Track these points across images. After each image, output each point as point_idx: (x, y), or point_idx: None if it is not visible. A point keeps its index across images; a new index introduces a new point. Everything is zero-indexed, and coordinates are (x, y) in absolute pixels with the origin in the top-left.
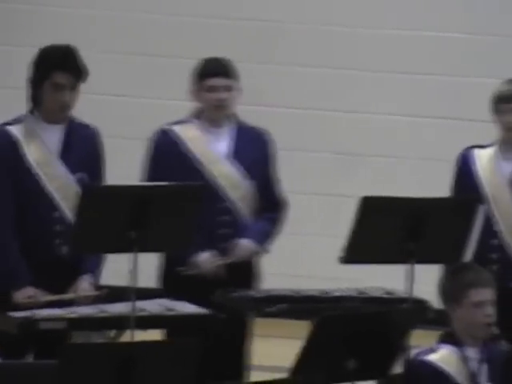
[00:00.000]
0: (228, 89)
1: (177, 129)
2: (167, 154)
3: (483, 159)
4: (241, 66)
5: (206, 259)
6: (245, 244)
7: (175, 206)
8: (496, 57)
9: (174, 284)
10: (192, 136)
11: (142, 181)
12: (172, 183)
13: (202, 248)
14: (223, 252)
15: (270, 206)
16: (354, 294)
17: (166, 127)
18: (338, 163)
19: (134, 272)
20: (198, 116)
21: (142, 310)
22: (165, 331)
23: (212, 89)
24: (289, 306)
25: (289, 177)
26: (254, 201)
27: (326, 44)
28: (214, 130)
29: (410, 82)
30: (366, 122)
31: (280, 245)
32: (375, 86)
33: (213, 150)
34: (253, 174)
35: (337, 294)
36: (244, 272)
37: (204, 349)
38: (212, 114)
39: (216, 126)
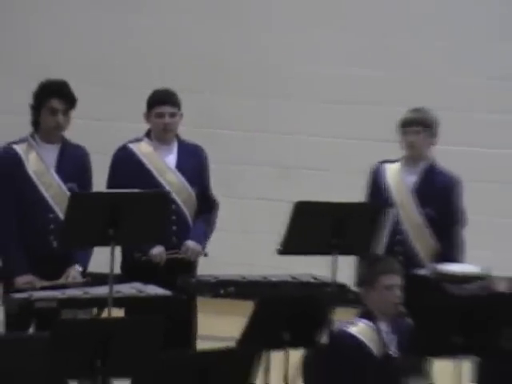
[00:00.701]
0: (173, 115)
1: (132, 146)
2: (126, 166)
3: (391, 171)
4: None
5: (159, 252)
6: (191, 246)
7: (144, 209)
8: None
9: (132, 269)
10: (145, 151)
11: (107, 188)
12: (141, 190)
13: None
14: (173, 246)
15: (206, 208)
16: (288, 279)
17: (125, 145)
18: (279, 174)
19: (111, 261)
20: (149, 135)
21: (119, 292)
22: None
23: (159, 115)
24: (236, 289)
25: (241, 185)
26: (194, 203)
27: (262, 78)
28: (162, 147)
29: (334, 110)
30: (301, 142)
31: (233, 239)
32: (305, 113)
33: (162, 163)
34: (193, 181)
35: (274, 279)
36: (185, 264)
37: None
38: (160, 135)
39: (164, 144)
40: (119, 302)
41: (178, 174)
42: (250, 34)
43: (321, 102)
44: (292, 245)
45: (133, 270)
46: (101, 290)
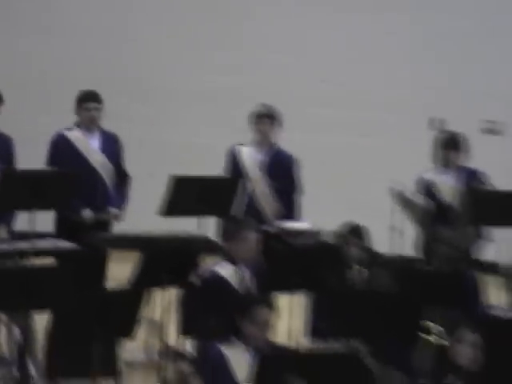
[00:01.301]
0: (97, 109)
1: (67, 133)
2: (62, 149)
3: (245, 152)
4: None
5: (89, 214)
6: (114, 211)
7: (61, 182)
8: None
9: (65, 228)
10: (76, 137)
11: (47, 164)
12: (57, 169)
13: (87, 206)
14: (98, 210)
15: (122, 181)
16: (169, 234)
17: (60, 131)
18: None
19: (33, 220)
20: (79, 125)
21: (39, 245)
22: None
23: (87, 109)
24: (130, 242)
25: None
26: (113, 177)
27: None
28: (89, 134)
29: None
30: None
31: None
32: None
33: (89, 146)
34: (112, 160)
35: (158, 234)
36: (104, 223)
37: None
38: (87, 125)
39: (90, 132)
40: (39, 253)
41: (101, 154)
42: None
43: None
44: (171, 210)
45: (64, 228)
46: (25, 244)
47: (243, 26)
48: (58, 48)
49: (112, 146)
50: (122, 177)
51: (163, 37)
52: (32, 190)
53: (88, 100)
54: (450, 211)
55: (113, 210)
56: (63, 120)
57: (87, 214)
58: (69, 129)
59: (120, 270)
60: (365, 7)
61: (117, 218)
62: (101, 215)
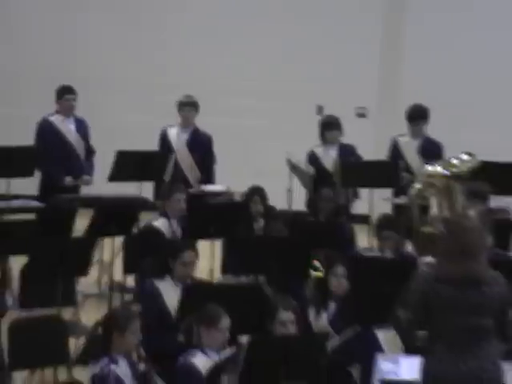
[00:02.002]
0: (74, 100)
1: (51, 118)
2: (48, 130)
3: (172, 132)
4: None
5: (70, 180)
6: (87, 178)
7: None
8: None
9: (50, 191)
10: (59, 121)
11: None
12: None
13: (67, 174)
14: (76, 177)
15: (89, 155)
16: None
17: (46, 117)
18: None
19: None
20: (59, 112)
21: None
22: None
23: (67, 100)
24: (87, 202)
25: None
26: (84, 152)
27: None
28: (67, 120)
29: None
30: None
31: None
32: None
33: (68, 129)
34: (83, 138)
35: (107, 195)
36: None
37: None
38: (66, 113)
39: (68, 118)
40: (14, 210)
41: (77, 134)
42: None
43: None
44: (117, 177)
45: (49, 191)
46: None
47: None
48: None
49: (83, 129)
50: (90, 152)
51: (94, 26)
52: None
53: (67, 93)
54: (330, 177)
55: (86, 177)
56: None
57: (68, 180)
58: (51, 114)
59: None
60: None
61: (88, 183)
62: (78, 181)
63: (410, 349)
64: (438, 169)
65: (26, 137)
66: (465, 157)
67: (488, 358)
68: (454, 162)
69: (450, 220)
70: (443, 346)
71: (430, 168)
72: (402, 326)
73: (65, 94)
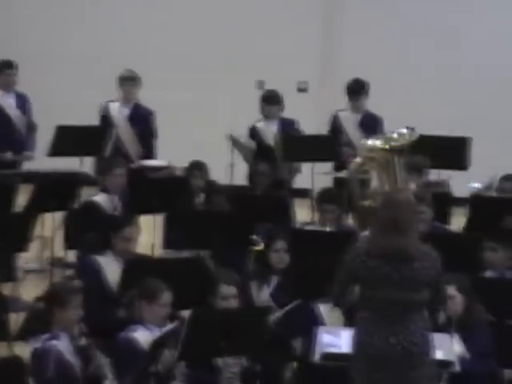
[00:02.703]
0: (14, 75)
1: None
2: None
3: (113, 107)
4: None
5: (10, 155)
6: (28, 154)
7: None
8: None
9: None
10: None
11: None
12: None
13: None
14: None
15: (30, 130)
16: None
17: None
18: None
19: None
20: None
21: None
22: None
23: (7, 75)
24: (27, 177)
25: None
26: (25, 127)
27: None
28: (6, 94)
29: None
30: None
31: None
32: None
33: (9, 103)
34: (23, 113)
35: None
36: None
37: None
38: (6, 88)
39: (8, 93)
40: None
41: (17, 109)
42: None
43: None
44: (56, 152)
45: None
46: None
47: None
48: None
49: (24, 104)
50: (31, 127)
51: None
52: None
53: (6, 68)
54: (271, 151)
55: (27, 153)
56: None
57: (8, 155)
58: None
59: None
60: None
61: (30, 158)
62: (19, 157)
63: (350, 322)
64: (378, 143)
65: None
66: (404, 131)
67: (418, 332)
68: (394, 136)
69: (383, 195)
70: (374, 319)
71: (369, 142)
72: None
73: (4, 68)
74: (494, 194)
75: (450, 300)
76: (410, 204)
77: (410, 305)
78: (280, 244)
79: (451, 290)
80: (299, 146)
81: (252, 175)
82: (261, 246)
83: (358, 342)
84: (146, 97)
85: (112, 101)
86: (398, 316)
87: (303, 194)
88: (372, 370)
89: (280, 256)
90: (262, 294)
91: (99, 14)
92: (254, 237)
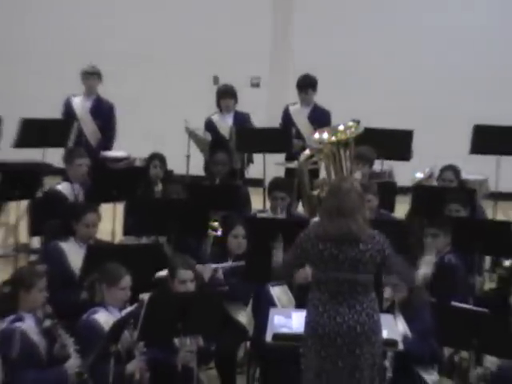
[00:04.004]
0: None
1: None
2: None
3: (76, 101)
4: None
5: None
6: None
7: None
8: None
9: None
10: None
11: None
12: None
13: None
14: None
15: None
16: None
17: None
18: None
19: None
20: None
21: None
22: None
23: None
24: None
25: None
26: None
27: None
28: None
29: None
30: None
31: None
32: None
33: None
34: None
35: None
36: None
37: None
38: None
39: None
40: None
41: None
42: None
43: None
44: (21, 143)
45: None
46: None
47: None
48: None
49: None
50: None
51: None
52: None
53: None
54: (226, 142)
55: None
56: None
57: None
58: None
59: None
60: None
61: None
62: None
63: (301, 303)
64: (326, 135)
65: None
66: (350, 123)
67: (364, 312)
68: (341, 128)
69: (330, 183)
70: (322, 299)
71: (318, 135)
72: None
73: None
74: (434, 183)
75: (395, 288)
76: (353, 191)
77: (355, 285)
78: (239, 230)
79: (396, 279)
80: (252, 138)
81: (209, 165)
82: (218, 232)
83: (308, 321)
84: (106, 91)
85: (74, 95)
86: (345, 296)
87: (256, 183)
88: (320, 347)
89: (239, 241)
90: (218, 277)
91: (63, 11)
92: (215, 223)
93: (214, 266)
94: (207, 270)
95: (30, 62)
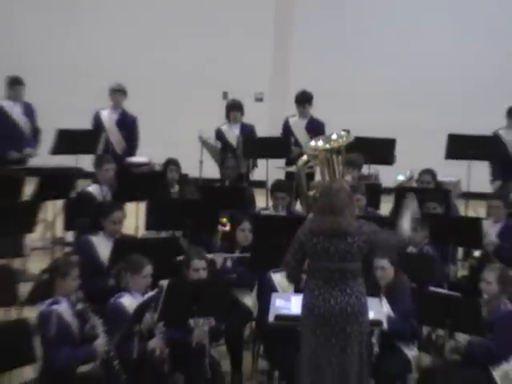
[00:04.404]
0: (22, 89)
1: (2, 103)
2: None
3: (104, 113)
4: None
5: (14, 154)
6: (29, 150)
7: None
8: None
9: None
10: (9, 106)
11: None
12: None
13: (13, 149)
14: (20, 151)
15: (35, 133)
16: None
17: None
18: None
19: None
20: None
21: None
22: None
23: (17, 89)
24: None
25: None
26: (29, 130)
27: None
28: (15, 104)
29: None
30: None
31: None
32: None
33: (16, 112)
34: (30, 120)
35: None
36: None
37: None
38: (15, 99)
39: (16, 102)
40: None
41: (23, 116)
42: None
43: None
44: (58, 151)
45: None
46: None
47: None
48: None
49: (29, 112)
50: (36, 130)
51: (41, 24)
52: None
53: (17, 84)
54: (234, 150)
55: (28, 150)
56: None
57: (15, 154)
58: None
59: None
60: None
61: (31, 155)
62: (23, 155)
63: (298, 288)
64: (320, 143)
65: None
66: (342, 133)
67: (353, 295)
68: (333, 137)
69: (323, 184)
70: (317, 285)
71: (313, 143)
72: (288, 269)
73: (15, 84)
74: (414, 184)
75: (383, 270)
76: (342, 191)
77: (345, 273)
78: (246, 225)
79: (385, 263)
80: (256, 146)
81: (222, 170)
82: (227, 228)
83: (304, 304)
84: (130, 105)
85: (103, 108)
86: (337, 282)
87: (260, 184)
88: (316, 326)
89: (245, 235)
90: (227, 266)
91: (94, 36)
92: (223, 219)
93: (224, 255)
94: (219, 258)
95: (65, 80)
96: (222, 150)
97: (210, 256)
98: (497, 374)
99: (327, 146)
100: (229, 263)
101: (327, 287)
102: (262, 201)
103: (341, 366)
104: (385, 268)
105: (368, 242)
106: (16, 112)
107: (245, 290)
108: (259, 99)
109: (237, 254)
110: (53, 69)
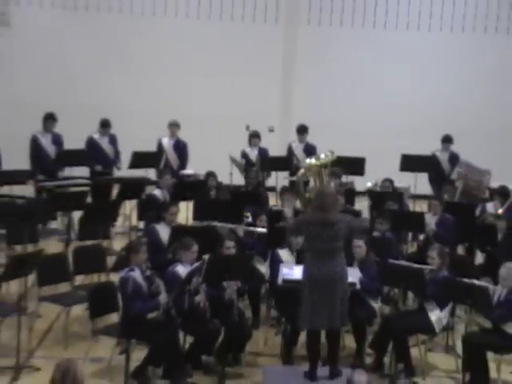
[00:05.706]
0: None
1: (94, 136)
2: (92, 144)
3: (164, 140)
4: None
5: (99, 168)
6: (116, 166)
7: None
8: None
9: (94, 175)
10: (98, 137)
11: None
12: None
13: (98, 164)
14: (105, 167)
15: (117, 155)
16: (131, 176)
17: (90, 135)
18: None
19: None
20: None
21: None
22: None
23: (107, 128)
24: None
25: None
26: (113, 153)
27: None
28: (103, 135)
29: None
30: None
31: None
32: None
33: (104, 141)
34: (113, 146)
35: (128, 176)
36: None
37: None
38: (104, 133)
39: (104, 135)
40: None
41: (109, 145)
42: None
43: None
44: (134, 165)
45: (93, 175)
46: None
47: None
48: None
49: (113, 140)
50: (118, 153)
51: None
52: None
53: (106, 126)
54: (254, 165)
55: (116, 166)
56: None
57: (99, 168)
58: (94, 133)
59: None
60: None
61: (117, 169)
62: (109, 169)
63: (299, 261)
64: (313, 160)
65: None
66: (328, 153)
67: (339, 265)
68: (322, 156)
69: (316, 189)
70: (313, 258)
71: (308, 160)
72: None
73: (105, 126)
74: (378, 189)
75: (359, 248)
76: (331, 194)
77: (334, 250)
78: (263, 217)
79: (361, 243)
80: (270, 162)
81: (246, 179)
82: (249, 219)
83: (304, 272)
84: (183, 135)
85: (164, 136)
86: (328, 257)
87: (272, 189)
88: (313, 289)
89: (263, 225)
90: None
91: (161, 84)
92: (247, 213)
93: (251, 228)
94: (239, 228)
95: (133, 117)
96: (246, 166)
97: (232, 226)
98: (433, 318)
99: (318, 162)
100: (250, 240)
101: (320, 260)
102: (273, 201)
103: (329, 310)
104: (361, 246)
105: (348, 227)
106: (105, 142)
107: (261, 260)
108: (271, 130)
109: (258, 230)
110: (122, 109)
